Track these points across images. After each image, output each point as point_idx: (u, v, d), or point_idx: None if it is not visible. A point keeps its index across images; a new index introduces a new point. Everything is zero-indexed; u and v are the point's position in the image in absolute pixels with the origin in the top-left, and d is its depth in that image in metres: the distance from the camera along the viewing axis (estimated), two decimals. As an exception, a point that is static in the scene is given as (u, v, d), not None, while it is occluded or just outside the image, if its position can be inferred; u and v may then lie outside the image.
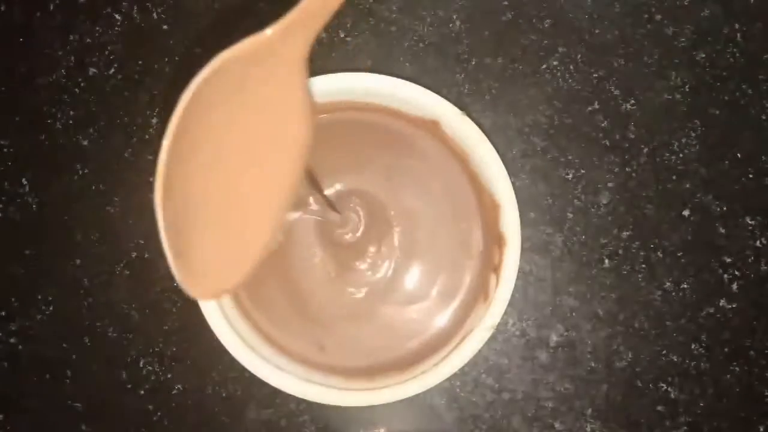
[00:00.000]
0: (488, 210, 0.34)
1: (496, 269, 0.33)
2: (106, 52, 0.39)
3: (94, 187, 0.38)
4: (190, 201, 0.25)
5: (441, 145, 0.35)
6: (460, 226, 0.35)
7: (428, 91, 0.33)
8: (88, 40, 0.39)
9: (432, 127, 0.34)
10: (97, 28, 0.39)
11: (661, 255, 0.38)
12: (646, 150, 0.38)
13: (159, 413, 0.38)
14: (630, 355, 0.38)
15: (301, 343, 0.35)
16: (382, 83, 0.33)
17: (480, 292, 0.34)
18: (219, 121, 0.26)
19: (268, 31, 0.25)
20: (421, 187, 0.35)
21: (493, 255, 0.34)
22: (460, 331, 0.34)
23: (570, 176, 0.38)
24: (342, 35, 0.39)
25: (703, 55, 0.38)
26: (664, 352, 0.38)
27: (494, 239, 0.34)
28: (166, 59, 0.39)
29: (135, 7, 0.39)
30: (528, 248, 0.38)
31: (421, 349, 0.35)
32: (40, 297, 0.38)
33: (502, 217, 0.33)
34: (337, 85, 0.33)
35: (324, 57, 0.38)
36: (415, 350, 0.35)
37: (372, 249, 0.35)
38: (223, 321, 0.32)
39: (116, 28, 0.39)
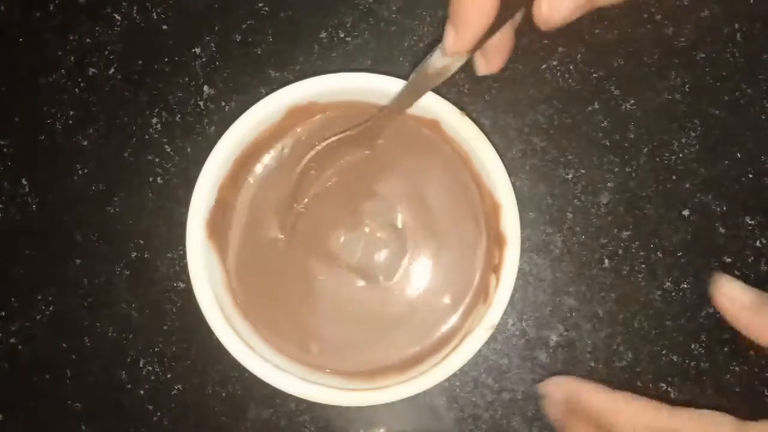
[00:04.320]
0: (489, 210, 0.34)
1: (495, 269, 0.33)
2: (106, 52, 0.39)
3: (94, 187, 0.38)
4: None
5: (443, 148, 0.35)
6: (463, 227, 0.35)
7: (428, 91, 0.33)
8: (88, 40, 0.39)
9: (432, 127, 0.34)
10: (97, 28, 0.39)
11: (661, 255, 0.38)
12: (646, 150, 0.38)
13: (159, 413, 0.38)
14: (630, 355, 0.38)
15: (295, 343, 0.35)
16: (382, 83, 0.33)
17: (480, 292, 0.34)
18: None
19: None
20: (425, 187, 0.35)
21: (493, 255, 0.34)
22: (460, 331, 0.34)
23: (570, 176, 0.38)
24: (342, 35, 0.39)
25: (703, 55, 0.38)
26: (664, 352, 0.38)
27: (494, 239, 0.34)
28: (166, 59, 0.39)
29: (135, 7, 0.39)
30: (528, 248, 0.38)
31: (421, 349, 0.35)
32: (40, 297, 0.38)
33: (502, 217, 0.33)
34: (337, 85, 0.33)
35: (324, 57, 0.38)
36: (415, 350, 0.35)
37: (375, 248, 0.35)
38: (223, 321, 0.32)
39: (116, 28, 0.39)
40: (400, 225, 0.35)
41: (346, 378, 0.34)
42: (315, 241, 0.35)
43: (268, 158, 0.35)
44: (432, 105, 0.33)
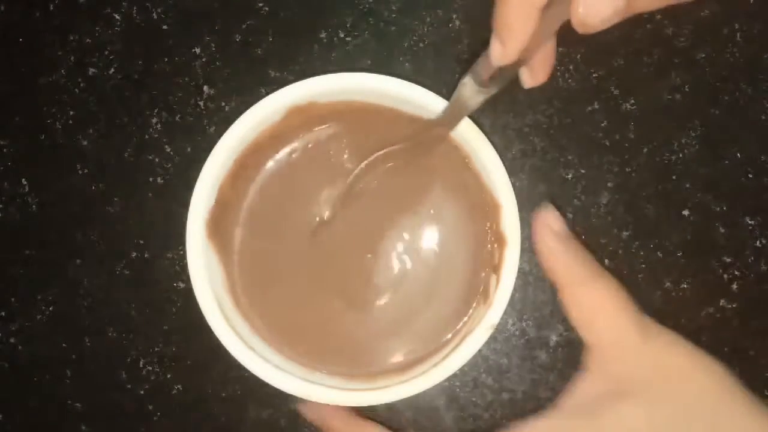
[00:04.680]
0: (489, 210, 0.34)
1: (496, 269, 0.33)
2: (106, 52, 0.39)
3: (94, 187, 0.38)
4: None
5: (443, 148, 0.35)
6: (463, 228, 0.35)
7: (428, 91, 0.33)
8: (88, 40, 0.39)
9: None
10: (97, 28, 0.39)
11: (661, 255, 0.38)
12: (646, 150, 0.38)
13: (159, 413, 0.38)
14: (630, 355, 0.38)
15: (292, 343, 0.35)
16: (382, 83, 0.33)
17: (480, 293, 0.34)
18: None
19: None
20: (429, 189, 0.35)
21: (493, 255, 0.34)
22: (460, 331, 0.34)
23: (570, 176, 0.38)
24: (342, 35, 0.39)
25: (703, 55, 0.38)
26: (664, 352, 0.38)
27: (494, 239, 0.34)
28: (166, 59, 0.39)
29: (135, 7, 0.39)
30: (528, 248, 0.38)
31: (421, 349, 0.35)
32: (40, 297, 0.38)
33: (502, 217, 0.33)
34: (337, 85, 0.33)
35: (324, 57, 0.38)
36: (415, 351, 0.35)
37: (376, 249, 0.35)
38: (223, 321, 0.32)
39: (116, 28, 0.39)
40: (400, 242, 0.35)
41: (346, 378, 0.34)
42: (324, 249, 0.35)
43: (273, 162, 0.35)
44: (432, 105, 0.33)
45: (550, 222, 0.33)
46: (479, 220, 0.35)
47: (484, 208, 0.34)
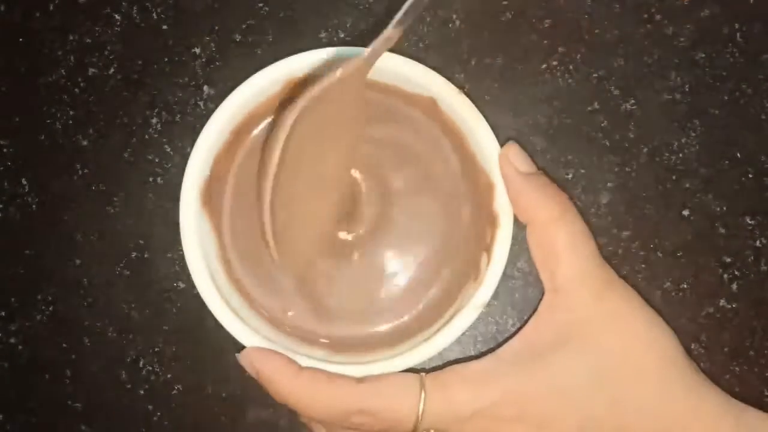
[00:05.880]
0: (483, 189, 0.34)
1: (488, 249, 0.33)
2: (106, 52, 0.39)
3: (94, 187, 0.38)
4: (284, 205, 0.30)
5: (438, 124, 0.35)
6: (455, 206, 0.35)
7: (427, 69, 0.33)
8: (88, 40, 0.39)
9: (430, 105, 0.34)
10: (97, 28, 0.39)
11: (661, 255, 0.38)
12: (646, 150, 0.38)
13: (159, 413, 0.38)
14: (630, 355, 0.38)
15: (277, 307, 0.35)
16: (382, 60, 0.33)
17: (471, 272, 0.34)
18: (304, 139, 0.30)
19: (338, 73, 0.29)
20: (417, 163, 0.35)
21: (486, 234, 0.34)
22: (449, 311, 0.34)
23: (570, 176, 0.38)
24: (342, 35, 0.39)
25: (703, 55, 0.38)
26: (664, 352, 0.38)
27: (487, 219, 0.34)
28: (166, 59, 0.39)
29: (135, 7, 0.39)
30: (528, 248, 0.38)
31: (410, 326, 0.34)
32: (40, 297, 0.38)
33: (495, 197, 0.33)
34: (335, 59, 0.33)
35: (324, 57, 0.38)
36: (404, 329, 0.34)
37: (365, 224, 0.35)
38: (214, 291, 0.32)
39: (116, 28, 0.39)
40: (390, 217, 0.35)
41: (332, 351, 0.34)
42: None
43: (261, 130, 0.35)
44: (430, 82, 0.33)
45: (513, 160, 0.32)
46: (472, 200, 0.35)
47: (478, 188, 0.34)
